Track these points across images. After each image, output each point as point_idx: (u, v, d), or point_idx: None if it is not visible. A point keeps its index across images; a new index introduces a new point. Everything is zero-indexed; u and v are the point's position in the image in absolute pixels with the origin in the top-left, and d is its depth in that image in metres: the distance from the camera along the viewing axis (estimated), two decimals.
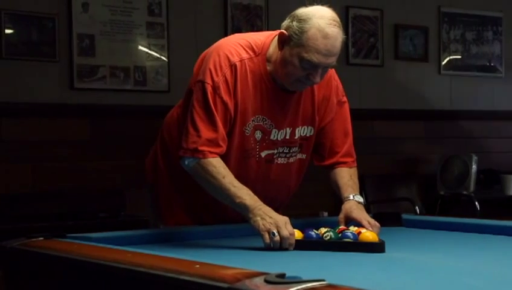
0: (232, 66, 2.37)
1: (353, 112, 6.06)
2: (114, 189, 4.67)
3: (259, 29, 5.37)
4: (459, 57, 6.36)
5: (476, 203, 5.28)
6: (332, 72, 2.55)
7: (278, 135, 2.47)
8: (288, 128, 2.48)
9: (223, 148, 2.34)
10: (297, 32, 2.28)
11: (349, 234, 2.10)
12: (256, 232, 2.17)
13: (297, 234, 2.15)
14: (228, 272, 1.44)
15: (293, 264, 1.92)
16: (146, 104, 4.88)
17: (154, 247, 2.14)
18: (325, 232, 2.11)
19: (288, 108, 2.46)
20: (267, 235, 2.13)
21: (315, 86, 2.48)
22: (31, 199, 4.43)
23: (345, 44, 5.67)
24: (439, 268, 1.82)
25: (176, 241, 2.32)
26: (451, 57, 6.31)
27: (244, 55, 2.40)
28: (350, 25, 5.78)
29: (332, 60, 2.32)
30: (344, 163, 2.61)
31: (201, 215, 2.60)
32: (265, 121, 2.44)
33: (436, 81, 6.24)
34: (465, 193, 5.42)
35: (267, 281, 1.28)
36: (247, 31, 5.32)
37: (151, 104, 4.89)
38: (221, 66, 2.37)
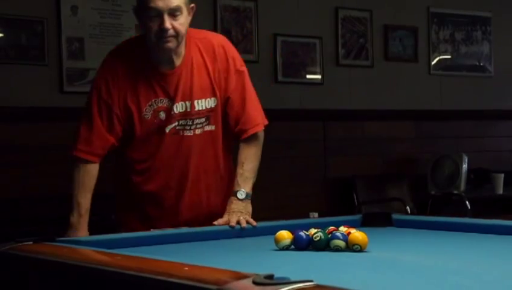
0: (113, 67, 2.61)
1: (343, 112, 6.13)
2: (104, 192, 4.65)
3: (249, 31, 5.38)
4: (449, 57, 6.39)
5: (467, 202, 5.30)
6: (226, 45, 2.71)
7: (177, 108, 2.60)
8: (187, 102, 2.60)
9: (101, 150, 2.60)
10: None
11: (338, 234, 2.10)
12: None
13: (287, 235, 2.15)
14: (217, 274, 1.44)
15: (282, 266, 1.91)
16: None
17: (143, 250, 2.14)
18: (314, 233, 2.11)
19: (179, 83, 2.60)
20: None
21: (207, 59, 2.63)
22: (21, 203, 4.42)
23: (335, 45, 5.76)
24: (429, 268, 1.82)
25: (165, 244, 2.32)
26: (440, 57, 6.33)
27: (128, 52, 2.64)
28: (340, 26, 5.80)
29: (174, 4, 2.48)
30: (245, 131, 2.71)
31: (154, 224, 2.67)
32: (162, 101, 2.60)
33: (426, 81, 6.26)
34: (455, 192, 5.44)
35: (255, 283, 1.28)
36: (236, 32, 5.33)
37: None
38: (103, 69, 2.64)
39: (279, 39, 5.52)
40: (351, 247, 2.04)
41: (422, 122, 6.22)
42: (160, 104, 2.60)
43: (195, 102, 2.62)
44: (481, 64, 6.57)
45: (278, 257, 2.06)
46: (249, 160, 2.70)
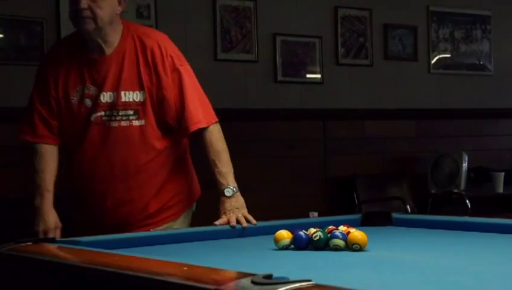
0: (54, 53, 2.76)
1: (343, 112, 6.13)
2: None
3: (248, 30, 5.38)
4: (448, 55, 6.38)
5: (467, 201, 5.30)
6: (164, 43, 2.69)
7: (104, 98, 2.62)
8: (114, 92, 2.62)
9: (46, 132, 2.69)
10: None
11: (338, 234, 2.09)
12: None
13: (287, 235, 2.15)
14: (216, 274, 1.44)
15: (281, 265, 1.91)
16: None
17: (142, 250, 2.14)
18: (314, 233, 2.11)
19: (108, 72, 2.62)
20: (41, 235, 2.58)
21: (140, 54, 2.63)
22: (21, 203, 4.41)
23: (335, 44, 5.75)
24: (428, 267, 1.82)
25: (165, 244, 2.32)
26: (440, 56, 6.32)
27: (70, 40, 2.74)
28: (339, 25, 5.79)
29: None
30: (187, 128, 2.67)
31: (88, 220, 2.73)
32: (89, 88, 2.63)
33: (426, 80, 6.26)
34: (456, 191, 5.44)
35: (254, 283, 1.28)
36: (236, 32, 5.33)
37: None
38: (46, 55, 2.88)
39: (279, 39, 5.52)
40: (350, 246, 2.04)
41: (422, 121, 6.22)
42: (87, 91, 2.63)
43: (122, 93, 2.61)
44: (481, 62, 6.56)
45: (277, 256, 2.06)
46: (219, 156, 2.66)
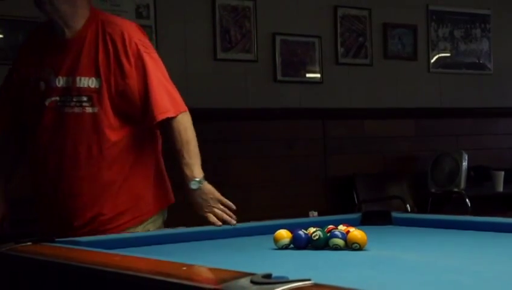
0: (27, 39, 2.80)
1: (343, 111, 6.13)
2: None
3: (248, 30, 5.38)
4: (448, 54, 6.38)
5: (467, 200, 5.30)
6: (129, 32, 2.59)
7: (58, 82, 2.56)
8: (70, 77, 2.55)
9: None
10: None
11: (337, 233, 2.09)
12: None
13: (286, 234, 2.15)
14: (215, 274, 1.44)
15: (281, 265, 1.91)
16: None
17: (142, 250, 2.14)
18: (313, 232, 2.11)
19: (66, 57, 2.57)
20: None
21: (101, 41, 2.56)
22: (21, 203, 4.40)
23: (334, 44, 5.75)
24: (428, 266, 1.82)
25: (164, 244, 2.32)
26: (440, 55, 6.32)
27: (44, 25, 2.71)
28: (339, 25, 5.80)
29: None
30: (153, 118, 2.54)
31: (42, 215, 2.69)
32: (46, 71, 2.58)
33: (426, 79, 6.26)
34: (456, 190, 5.44)
35: (253, 282, 1.28)
36: (235, 32, 5.33)
37: None
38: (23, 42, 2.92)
39: (278, 38, 5.52)
40: (350, 246, 2.03)
41: (422, 120, 6.22)
42: (43, 74, 2.58)
43: (78, 78, 2.54)
44: (480, 61, 6.56)
45: (277, 256, 2.06)
46: (187, 146, 2.54)
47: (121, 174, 2.57)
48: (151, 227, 2.61)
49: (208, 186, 2.54)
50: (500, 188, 5.87)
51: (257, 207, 5.13)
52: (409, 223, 2.67)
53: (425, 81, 6.25)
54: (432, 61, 6.29)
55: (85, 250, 2.01)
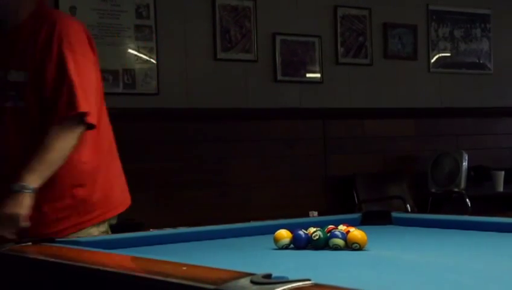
0: None
1: (343, 111, 6.12)
2: None
3: (248, 30, 5.38)
4: (448, 54, 6.39)
5: (467, 200, 5.31)
6: (59, 25, 2.51)
7: None
8: (2, 71, 2.54)
9: None
10: None
11: (337, 233, 2.09)
12: None
13: (286, 234, 2.15)
14: (215, 274, 1.44)
15: (281, 265, 1.91)
16: (135, 107, 4.88)
17: (141, 250, 2.14)
18: (313, 232, 2.11)
19: (3, 48, 2.58)
20: None
21: (33, 33, 2.52)
22: None
23: (334, 43, 5.75)
24: (428, 266, 1.82)
25: (164, 244, 2.32)
26: (440, 55, 6.33)
27: None
28: (339, 25, 5.80)
29: None
30: (51, 114, 2.44)
31: None
32: None
33: (426, 79, 6.26)
34: (456, 190, 5.44)
35: (253, 282, 1.28)
36: (235, 32, 5.33)
37: (140, 107, 4.88)
38: None
39: (278, 38, 5.52)
40: (350, 245, 2.03)
41: (422, 120, 6.22)
42: None
43: (10, 72, 2.52)
44: (481, 61, 6.56)
45: (276, 256, 2.06)
46: (46, 149, 2.38)
47: (59, 172, 2.44)
48: (98, 232, 2.54)
49: (26, 201, 2.35)
50: (500, 188, 5.87)
51: (257, 207, 5.14)
52: (409, 223, 2.67)
53: (425, 81, 6.25)
54: (432, 61, 6.29)
55: (85, 250, 2.01)
